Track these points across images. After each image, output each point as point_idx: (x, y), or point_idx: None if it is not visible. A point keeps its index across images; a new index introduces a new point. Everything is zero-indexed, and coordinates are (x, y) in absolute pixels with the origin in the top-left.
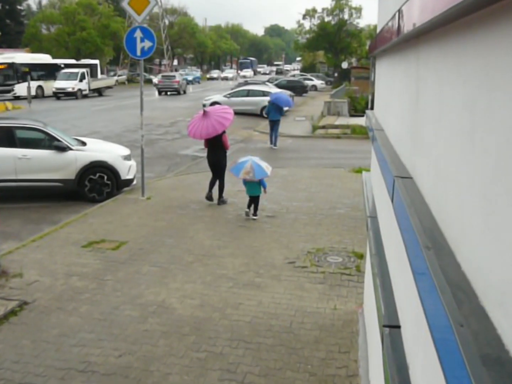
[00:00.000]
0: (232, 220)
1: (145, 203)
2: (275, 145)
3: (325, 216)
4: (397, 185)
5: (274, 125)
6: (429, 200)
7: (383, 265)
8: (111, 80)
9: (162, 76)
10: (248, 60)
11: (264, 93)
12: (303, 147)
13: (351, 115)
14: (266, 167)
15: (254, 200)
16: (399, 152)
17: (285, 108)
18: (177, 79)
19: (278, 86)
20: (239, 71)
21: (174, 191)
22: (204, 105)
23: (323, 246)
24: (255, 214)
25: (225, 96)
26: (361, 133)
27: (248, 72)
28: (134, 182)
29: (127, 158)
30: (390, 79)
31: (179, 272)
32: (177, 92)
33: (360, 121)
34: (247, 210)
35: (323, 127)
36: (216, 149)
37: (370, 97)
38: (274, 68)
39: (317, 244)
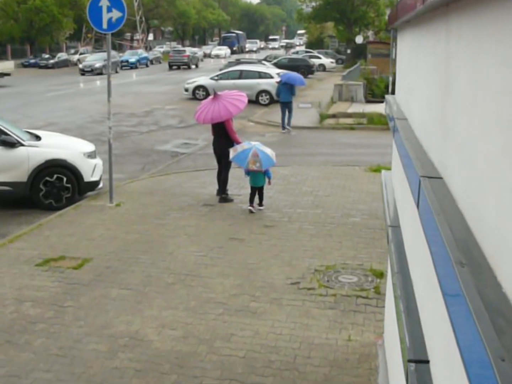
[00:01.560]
0: (222, 231)
1: (114, 211)
2: (288, 124)
3: (336, 226)
4: (424, 187)
5: (286, 107)
6: (463, 206)
7: (407, 285)
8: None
9: (173, 51)
10: (233, 34)
11: (260, 75)
12: (308, 140)
13: (368, 101)
14: (272, 154)
15: (258, 191)
16: (426, 147)
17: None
18: (188, 53)
19: (278, 65)
20: (218, 48)
21: (150, 196)
22: (186, 90)
23: (334, 262)
24: (260, 204)
25: (212, 78)
26: (380, 123)
27: (222, 51)
28: (101, 185)
29: (91, 155)
30: (414, 56)
31: (157, 296)
32: (188, 66)
33: (378, 108)
34: (251, 207)
35: (333, 115)
36: (219, 137)
37: (390, 79)
38: (273, 45)
39: (327, 260)
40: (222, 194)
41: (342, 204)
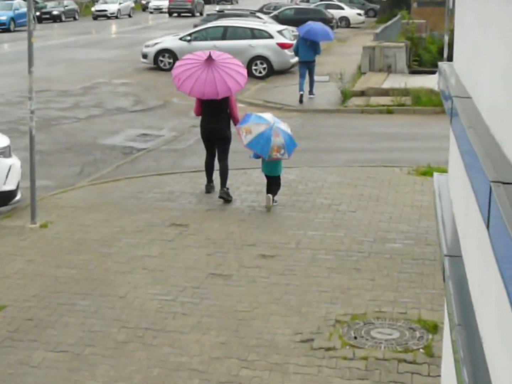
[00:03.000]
0: (198, 263)
1: (38, 234)
2: (311, 91)
3: (367, 255)
4: (497, 198)
5: (306, 68)
6: None
7: (474, 344)
8: None
9: None
10: None
11: (254, 34)
12: (325, 129)
13: (412, 72)
14: (289, 129)
15: (274, 181)
16: (500, 139)
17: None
18: None
19: (280, 19)
20: None
21: (91, 212)
22: (144, 55)
23: (364, 310)
24: (273, 199)
25: (183, 38)
26: (430, 103)
27: (161, 1)
28: (18, 196)
29: (3, 153)
30: (485, 3)
31: (102, 361)
32: (191, 13)
33: (427, 81)
34: (269, 195)
35: (362, 93)
36: (216, 116)
37: (446, 39)
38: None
39: (353, 306)
40: (223, 187)
41: (375, 224)
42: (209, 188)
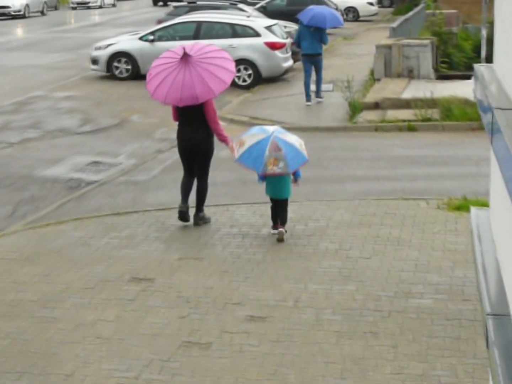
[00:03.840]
0: (168, 328)
1: None
2: (318, 93)
3: (386, 315)
4: None
5: (311, 63)
6: None
7: None
8: None
9: None
10: None
11: (235, 30)
12: (329, 153)
13: (440, 77)
14: (300, 144)
15: (281, 205)
16: None
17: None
18: None
19: (268, 13)
20: None
21: (28, 264)
22: (94, 61)
23: None
24: (282, 225)
25: (144, 38)
26: (465, 117)
27: None
28: None
29: None
30: None
31: None
32: None
33: (460, 89)
34: (279, 228)
35: (376, 105)
36: (196, 123)
37: (484, 34)
38: None
39: (369, 382)
40: (199, 212)
41: (395, 274)
42: (184, 211)
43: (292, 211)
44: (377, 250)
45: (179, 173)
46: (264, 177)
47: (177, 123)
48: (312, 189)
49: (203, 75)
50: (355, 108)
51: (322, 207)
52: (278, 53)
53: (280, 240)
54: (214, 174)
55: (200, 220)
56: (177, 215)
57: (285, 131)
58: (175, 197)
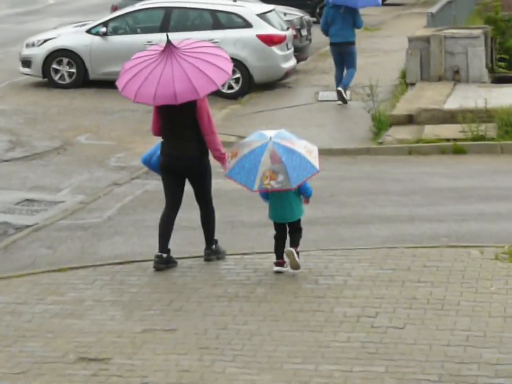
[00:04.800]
0: None
1: None
2: (346, 86)
3: None
4: None
5: (340, 53)
6: None
7: None
8: None
9: None
10: None
11: (217, 19)
12: (347, 184)
13: (497, 79)
14: (308, 150)
15: (290, 230)
16: None
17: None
18: None
19: None
20: None
21: None
22: (26, 62)
23: None
24: (297, 252)
25: (93, 31)
26: None
27: None
28: None
29: None
30: None
31: None
32: None
33: None
34: (279, 265)
35: (409, 118)
36: (187, 134)
37: None
38: None
39: None
40: (210, 245)
41: (439, 349)
42: (161, 261)
43: (301, 263)
44: (414, 317)
45: (144, 213)
46: (266, 194)
47: (154, 139)
48: (324, 234)
49: (188, 70)
50: (381, 123)
51: (338, 258)
52: (276, 49)
53: (294, 266)
54: (191, 213)
55: (214, 254)
56: (152, 267)
57: (290, 135)
58: (138, 246)
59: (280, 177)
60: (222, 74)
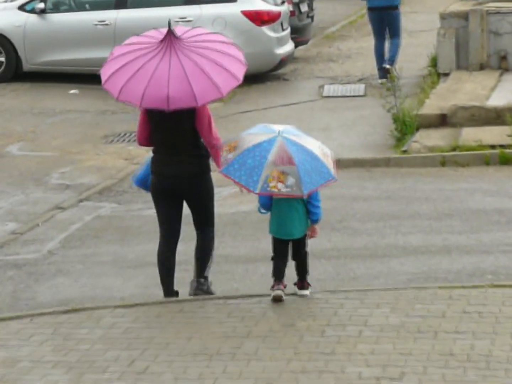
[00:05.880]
0: None
1: None
2: (391, 61)
3: None
4: None
5: (379, 21)
6: None
7: None
8: None
9: None
10: None
11: None
12: (363, 205)
13: None
14: (322, 152)
15: (293, 249)
16: None
17: None
18: None
19: None
20: None
21: None
22: None
23: None
24: (303, 285)
25: (27, 7)
26: None
27: None
28: None
29: None
30: None
31: None
32: None
33: None
34: (277, 288)
35: (441, 119)
36: (184, 146)
37: None
38: None
39: None
40: (200, 277)
41: None
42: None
43: (297, 309)
44: (451, 379)
45: (96, 246)
46: (268, 202)
47: (143, 149)
48: (332, 270)
49: (188, 70)
50: (405, 126)
51: (350, 302)
52: (267, 30)
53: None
54: (155, 244)
55: (201, 288)
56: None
57: (300, 132)
58: (89, 288)
59: (290, 180)
60: (230, 81)
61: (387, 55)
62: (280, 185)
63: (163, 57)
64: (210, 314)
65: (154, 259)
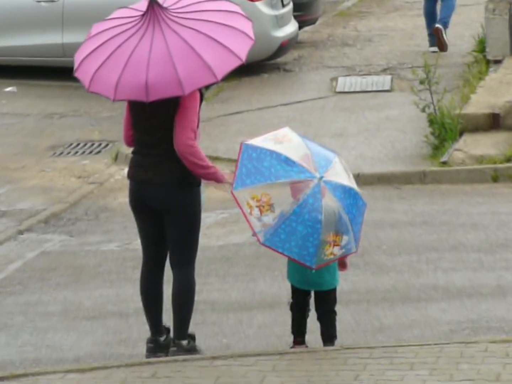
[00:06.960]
0: None
1: None
2: (445, 22)
3: None
4: None
5: None
6: None
7: None
8: None
9: None
10: None
11: None
12: (391, 233)
13: None
14: (349, 177)
15: (319, 304)
16: None
17: None
18: None
19: None
20: None
21: None
22: None
23: None
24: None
25: None
26: None
27: None
28: None
29: None
30: None
31: None
32: None
33: None
34: (298, 346)
35: (492, 120)
36: (163, 147)
37: None
38: None
39: None
40: (181, 333)
41: None
42: (156, 348)
43: (307, 373)
44: None
45: (42, 291)
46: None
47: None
48: (352, 320)
49: (173, 48)
50: (444, 130)
51: (376, 362)
52: (262, 6)
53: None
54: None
55: (180, 346)
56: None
57: (323, 150)
58: (32, 347)
59: (344, 239)
60: (228, 60)
61: (439, 17)
62: (336, 249)
63: (144, 34)
64: (192, 380)
65: (117, 307)
